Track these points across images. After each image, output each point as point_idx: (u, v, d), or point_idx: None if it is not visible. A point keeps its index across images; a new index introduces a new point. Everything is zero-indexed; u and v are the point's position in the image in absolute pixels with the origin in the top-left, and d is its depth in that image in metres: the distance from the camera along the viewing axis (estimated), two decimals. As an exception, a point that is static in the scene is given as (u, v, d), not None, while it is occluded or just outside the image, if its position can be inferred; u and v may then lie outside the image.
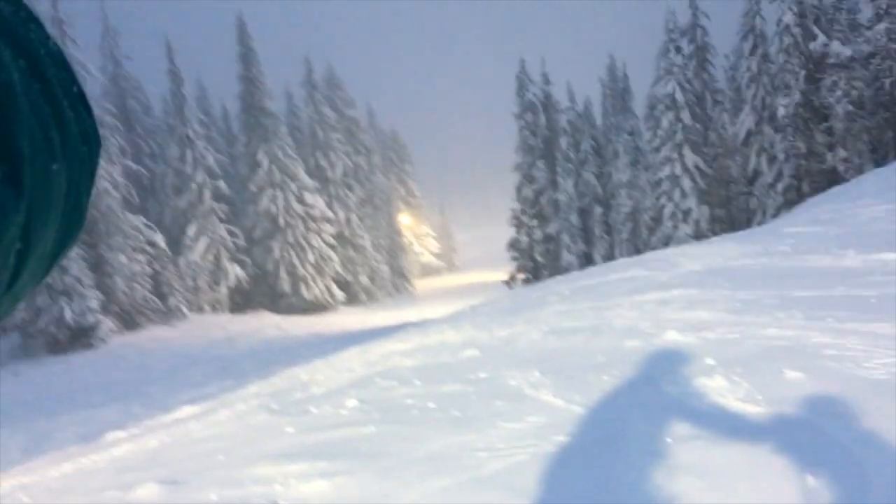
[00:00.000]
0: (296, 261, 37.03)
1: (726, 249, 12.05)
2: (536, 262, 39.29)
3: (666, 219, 33.67)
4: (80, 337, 28.73)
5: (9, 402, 17.00)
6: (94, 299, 26.72)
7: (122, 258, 28.53)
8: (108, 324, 27.00)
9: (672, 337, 5.51)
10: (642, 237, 35.46)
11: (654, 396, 3.85)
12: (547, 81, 39.67)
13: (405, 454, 3.74)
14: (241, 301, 35.60)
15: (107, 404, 14.09)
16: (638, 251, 34.64)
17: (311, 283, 36.96)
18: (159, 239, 31.25)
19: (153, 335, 27.40)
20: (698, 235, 31.96)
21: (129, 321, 28.42)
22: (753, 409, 3.36)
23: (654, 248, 32.34)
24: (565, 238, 37.49)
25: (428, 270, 60.95)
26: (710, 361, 4.43)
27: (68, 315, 27.81)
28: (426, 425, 4.26)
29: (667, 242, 32.74)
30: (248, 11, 39.59)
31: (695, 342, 5.18)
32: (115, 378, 18.26)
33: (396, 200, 53.70)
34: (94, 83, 33.49)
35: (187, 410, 8.22)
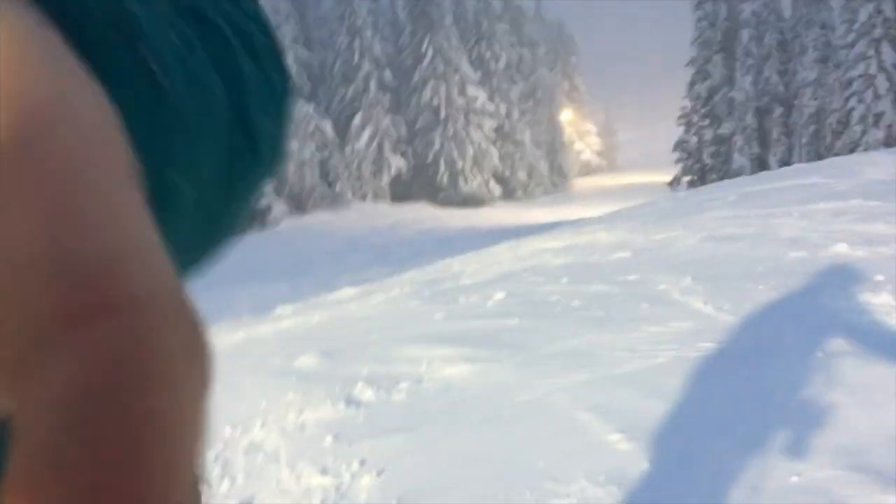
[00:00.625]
0: (455, 154, 37.42)
1: (920, 158, 10.97)
2: (704, 165, 37.46)
3: (854, 122, 30.86)
4: (254, 218, 30.85)
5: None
6: (269, 183, 28.48)
7: (294, 144, 30.01)
8: (280, 207, 28.78)
9: (841, 250, 5.17)
10: (825, 142, 32.77)
11: (812, 310, 3.67)
12: (731, -33, 36.56)
13: (545, 347, 3.82)
14: (402, 191, 36.68)
15: (277, 280, 15.22)
16: (819, 157, 32.13)
17: (470, 177, 37.34)
18: (328, 126, 32.51)
19: (320, 219, 28.97)
20: (890, 142, 29.12)
21: (298, 205, 30.12)
22: (922, 332, 3.13)
23: (838, 154, 29.92)
24: (738, 139, 35.34)
25: (588, 169, 59.70)
26: (879, 277, 4.13)
27: (245, 196, 29.87)
28: (568, 322, 4.31)
29: (853, 148, 30.09)
30: None
31: (865, 256, 4.83)
32: (286, 257, 19.59)
33: (560, 95, 52.40)
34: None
35: (348, 292, 8.73)
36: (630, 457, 2.56)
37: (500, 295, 5.49)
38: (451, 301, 5.70)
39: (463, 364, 3.73)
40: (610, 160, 65.27)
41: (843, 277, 4.27)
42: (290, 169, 29.56)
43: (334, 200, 32.05)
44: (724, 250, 6.16)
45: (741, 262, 5.47)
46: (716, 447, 2.56)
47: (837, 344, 3.11)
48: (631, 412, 2.89)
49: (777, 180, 11.37)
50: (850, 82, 30.82)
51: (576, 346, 3.76)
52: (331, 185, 32.21)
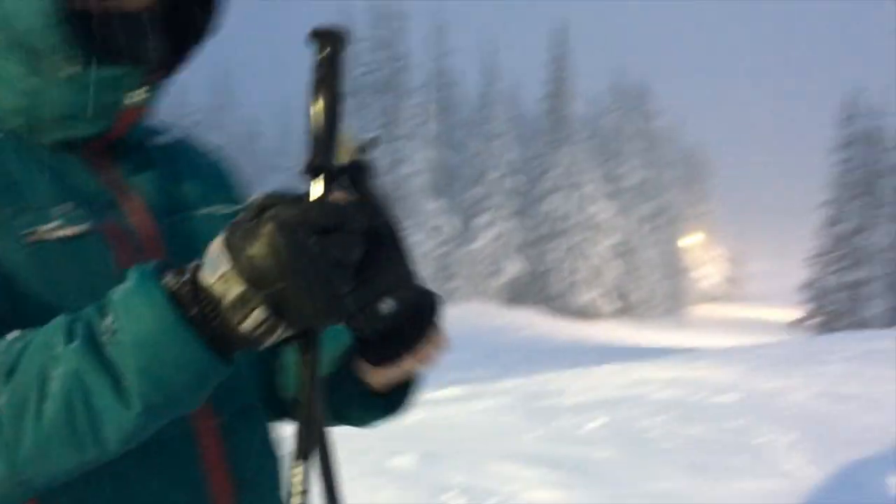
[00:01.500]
0: (575, 264, 37.49)
1: None
2: (834, 309, 35.79)
3: None
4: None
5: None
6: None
7: (417, 236, 31.05)
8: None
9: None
10: (972, 302, 30.74)
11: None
12: (877, 114, 35.75)
13: (634, 485, 3.89)
14: (516, 295, 36.90)
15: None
16: (964, 318, 30.12)
17: (586, 290, 37.15)
18: (452, 222, 33.48)
19: (433, 312, 29.42)
20: None
21: (414, 295, 30.81)
22: None
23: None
24: (873, 287, 33.67)
25: (710, 296, 58.01)
26: None
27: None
28: (660, 462, 4.35)
29: None
30: (573, 15, 40.67)
31: None
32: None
33: (688, 218, 51.84)
34: (419, 73, 36.72)
35: (451, 392, 8.94)
36: None
37: (598, 422, 5.57)
38: (548, 420, 5.81)
39: (553, 489, 3.85)
40: (736, 289, 63.31)
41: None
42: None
43: (449, 296, 32.65)
44: (836, 409, 6.00)
45: (854, 426, 5.33)
46: None
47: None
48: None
49: (907, 339, 10.83)
50: None
51: (664, 489, 3.81)
52: (447, 279, 32.90)
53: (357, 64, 36.51)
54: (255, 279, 0.63)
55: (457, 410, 6.77)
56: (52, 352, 0.67)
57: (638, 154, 42.57)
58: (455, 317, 29.61)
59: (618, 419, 5.71)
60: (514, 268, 36.01)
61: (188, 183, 0.98)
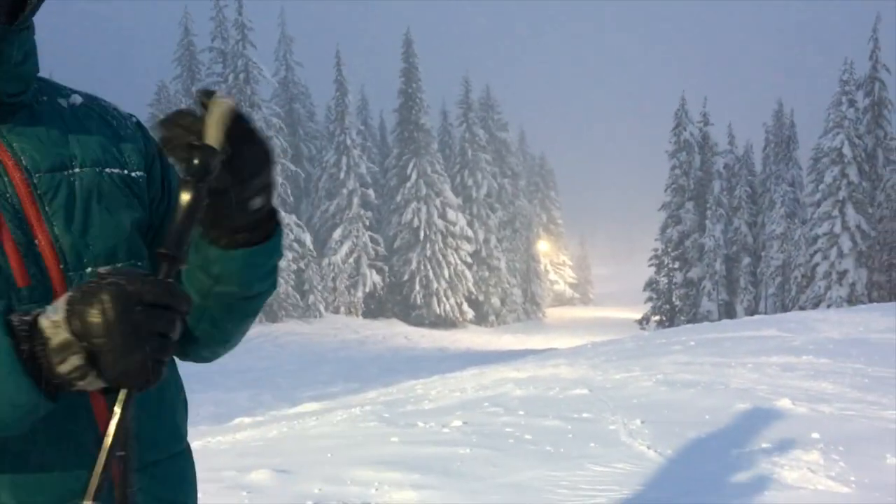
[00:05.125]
0: (431, 275, 37.92)
1: (872, 320, 11.42)
2: (673, 306, 38.22)
3: (819, 278, 31.88)
4: (225, 321, 30.71)
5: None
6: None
7: (272, 253, 30.27)
8: (251, 312, 28.70)
9: (785, 405, 5.41)
10: (791, 294, 33.71)
11: (743, 462, 3.87)
12: (706, 122, 38.62)
13: (492, 479, 3.96)
14: (374, 307, 36.85)
15: (240, 389, 15.10)
16: (785, 308, 32.94)
17: (444, 299, 37.71)
18: (307, 238, 32.97)
19: (290, 329, 28.90)
20: (852, 300, 30.01)
21: (269, 313, 30.08)
22: (840, 490, 3.33)
23: (802, 307, 30.65)
24: (707, 285, 36.25)
25: (561, 300, 60.39)
26: (814, 435, 4.36)
27: (218, 300, 29.83)
28: (518, 455, 4.45)
29: (817, 303, 30.96)
30: (416, 27, 41.25)
31: (806, 414, 5.08)
32: (251, 365, 19.46)
33: (537, 226, 53.75)
34: (266, 85, 35.98)
35: (309, 406, 8.78)
36: None
37: (456, 423, 5.64)
38: (409, 425, 5.82)
39: (411, 490, 3.85)
40: (583, 293, 66.16)
41: (780, 432, 4.50)
42: (266, 276, 29.69)
43: (306, 311, 32.11)
44: (675, 396, 6.38)
45: (690, 410, 5.68)
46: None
47: (763, 498, 3.30)
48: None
49: (737, 329, 11.74)
50: (815, 239, 32.02)
51: (521, 480, 3.90)
52: (304, 295, 32.35)
53: (201, 76, 35.29)
54: (80, 332, 0.74)
55: (315, 423, 6.65)
56: None
57: (487, 165, 43.69)
58: (314, 332, 29.18)
59: (476, 419, 5.81)
60: (371, 280, 35.95)
61: (79, 142, 1.01)
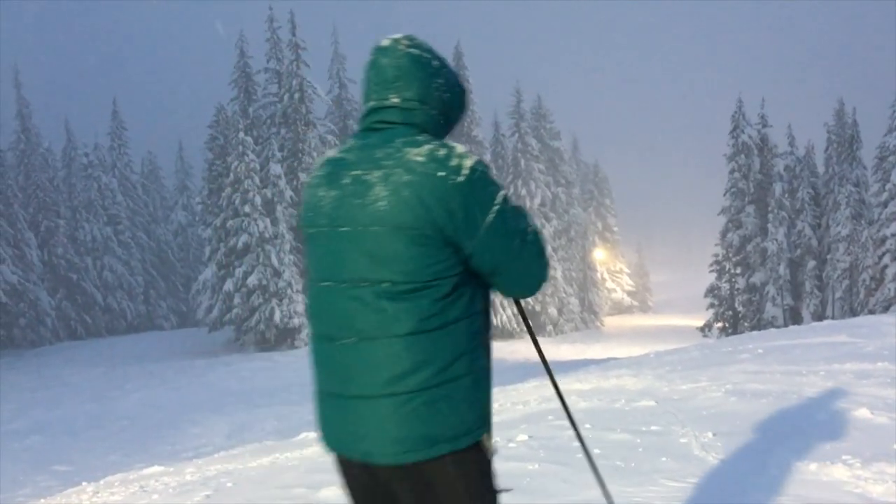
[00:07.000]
0: (488, 286, 37.81)
1: (951, 324, 10.97)
2: (736, 312, 37.35)
3: (888, 280, 30.81)
4: (285, 337, 31.19)
5: (220, 390, 18.87)
6: (301, 303, 28.97)
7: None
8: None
9: (863, 415, 5.21)
10: (859, 297, 32.62)
11: (824, 477, 3.73)
12: (765, 124, 37.76)
13: (564, 496, 3.90)
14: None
15: (303, 403, 15.26)
16: (853, 312, 31.91)
17: (500, 309, 37.56)
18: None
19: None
20: (925, 302, 28.93)
21: (329, 327, 30.33)
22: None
23: (872, 311, 29.64)
24: (771, 290, 35.32)
25: (619, 308, 59.59)
26: (897, 448, 4.19)
27: (277, 316, 30.33)
28: (588, 470, 4.37)
29: (887, 306, 29.89)
30: (466, 39, 41.43)
31: (886, 423, 4.88)
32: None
33: (593, 234, 53.21)
34: (320, 104, 36.54)
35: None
36: None
37: (522, 437, 5.58)
38: (474, 439, 5.78)
39: (482, 506, 3.81)
40: (642, 301, 65.19)
41: (861, 444, 4.33)
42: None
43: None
44: (747, 406, 6.21)
45: (763, 421, 5.52)
46: None
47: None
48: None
49: (806, 336, 11.39)
50: (883, 240, 31.00)
51: (594, 497, 3.83)
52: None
53: (258, 97, 36.01)
54: None
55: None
56: None
57: (540, 174, 43.49)
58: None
59: (541, 433, 5.74)
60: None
61: None
